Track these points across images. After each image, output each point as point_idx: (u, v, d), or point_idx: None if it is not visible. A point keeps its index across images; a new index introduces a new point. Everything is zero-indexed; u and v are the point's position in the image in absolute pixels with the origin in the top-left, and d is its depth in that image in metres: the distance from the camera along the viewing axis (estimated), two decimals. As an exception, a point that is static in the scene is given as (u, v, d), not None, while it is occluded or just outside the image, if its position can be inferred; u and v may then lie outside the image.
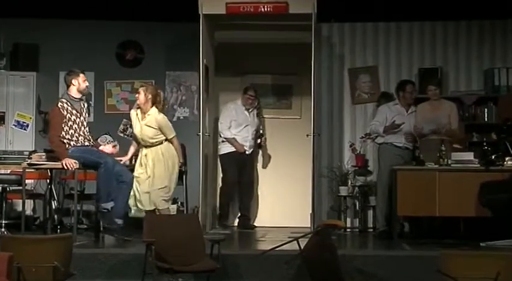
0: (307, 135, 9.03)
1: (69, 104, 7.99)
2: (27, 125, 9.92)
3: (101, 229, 8.28)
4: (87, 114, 8.19)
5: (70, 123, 7.94)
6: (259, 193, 10.13)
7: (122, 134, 10.23)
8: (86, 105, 8.26)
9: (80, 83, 8.03)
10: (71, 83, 8.04)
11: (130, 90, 10.30)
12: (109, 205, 7.89)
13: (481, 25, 9.94)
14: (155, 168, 8.03)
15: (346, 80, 10.06)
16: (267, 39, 9.93)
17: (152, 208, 8.02)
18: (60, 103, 7.99)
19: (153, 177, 8.01)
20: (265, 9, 8.90)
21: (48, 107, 9.84)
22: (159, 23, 10.04)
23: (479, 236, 8.11)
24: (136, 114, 8.15)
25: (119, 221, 7.93)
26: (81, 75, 8.06)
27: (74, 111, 7.97)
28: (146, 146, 8.10)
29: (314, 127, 8.97)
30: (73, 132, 7.93)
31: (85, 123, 8.07)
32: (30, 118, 9.91)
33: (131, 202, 8.00)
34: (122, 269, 6.95)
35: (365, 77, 10.06)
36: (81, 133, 7.99)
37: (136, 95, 8.22)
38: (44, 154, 8.18)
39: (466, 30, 9.97)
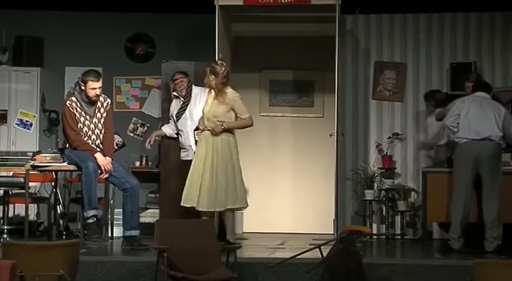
0: (330, 135, 9.04)
1: (78, 105, 7.96)
2: (31, 124, 9.93)
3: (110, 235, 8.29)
4: (105, 114, 8.05)
5: (80, 125, 7.95)
6: (279, 197, 10.11)
7: (131, 134, 10.27)
8: (106, 103, 8.08)
9: (87, 89, 7.94)
10: (80, 85, 8.00)
11: (140, 86, 10.32)
12: (90, 213, 7.87)
13: (519, 16, 9.92)
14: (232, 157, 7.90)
15: (372, 75, 10.05)
16: (287, 32, 9.93)
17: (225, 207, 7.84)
18: (68, 102, 7.96)
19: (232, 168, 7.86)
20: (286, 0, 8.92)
21: (53, 105, 9.94)
22: (171, 15, 10.06)
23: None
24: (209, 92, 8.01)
25: (134, 232, 7.95)
26: (90, 83, 7.90)
27: (83, 113, 7.95)
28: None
29: (338, 126, 8.97)
30: (82, 136, 7.95)
31: (99, 126, 8.00)
32: (34, 116, 9.92)
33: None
34: (132, 279, 6.96)
35: (391, 74, 10.03)
36: (92, 138, 7.97)
37: (212, 76, 7.92)
38: (49, 155, 8.22)
39: (502, 22, 9.92)
